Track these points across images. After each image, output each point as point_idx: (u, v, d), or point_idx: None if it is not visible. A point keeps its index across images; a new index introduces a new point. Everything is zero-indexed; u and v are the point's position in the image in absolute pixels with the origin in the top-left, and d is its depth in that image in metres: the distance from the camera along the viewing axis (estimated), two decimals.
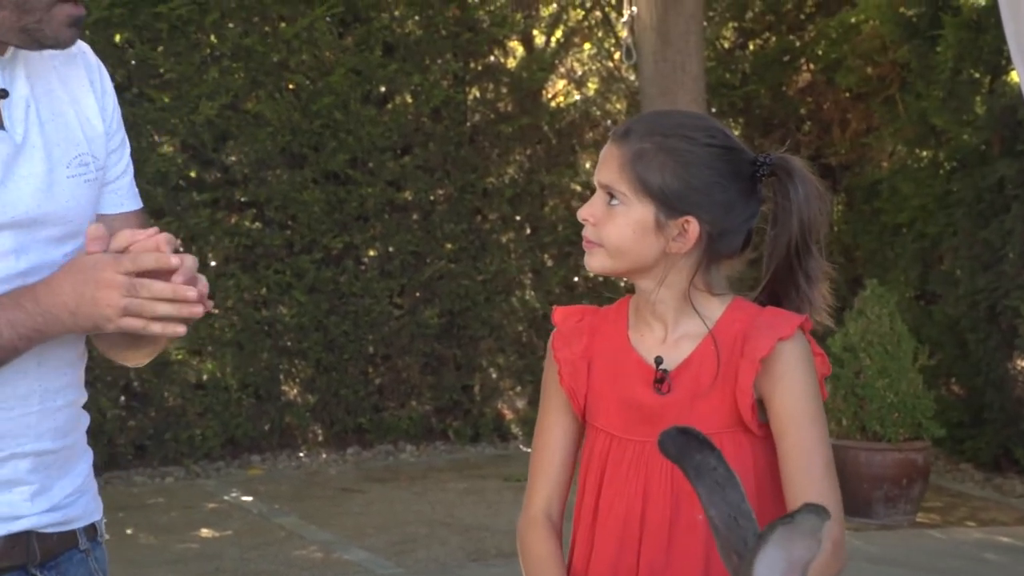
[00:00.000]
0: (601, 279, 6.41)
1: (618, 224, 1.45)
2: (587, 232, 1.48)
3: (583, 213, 1.48)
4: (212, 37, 5.68)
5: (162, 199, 5.55)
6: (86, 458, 1.50)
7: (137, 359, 1.55)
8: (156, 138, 5.62)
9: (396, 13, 6.03)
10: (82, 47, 1.49)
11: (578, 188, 6.46)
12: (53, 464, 1.43)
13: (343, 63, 5.82)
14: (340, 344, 5.95)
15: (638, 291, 1.51)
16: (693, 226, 1.44)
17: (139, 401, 5.70)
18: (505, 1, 6.35)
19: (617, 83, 6.68)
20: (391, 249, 6.01)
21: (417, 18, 6.07)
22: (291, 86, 5.78)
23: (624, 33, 5.61)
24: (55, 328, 1.36)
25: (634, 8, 5.32)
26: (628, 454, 1.48)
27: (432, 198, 6.09)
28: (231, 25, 5.68)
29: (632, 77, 6.38)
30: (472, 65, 6.23)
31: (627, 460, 1.48)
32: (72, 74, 1.48)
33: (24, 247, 1.40)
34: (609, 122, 6.60)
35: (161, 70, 5.59)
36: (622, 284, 1.63)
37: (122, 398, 5.66)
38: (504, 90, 6.29)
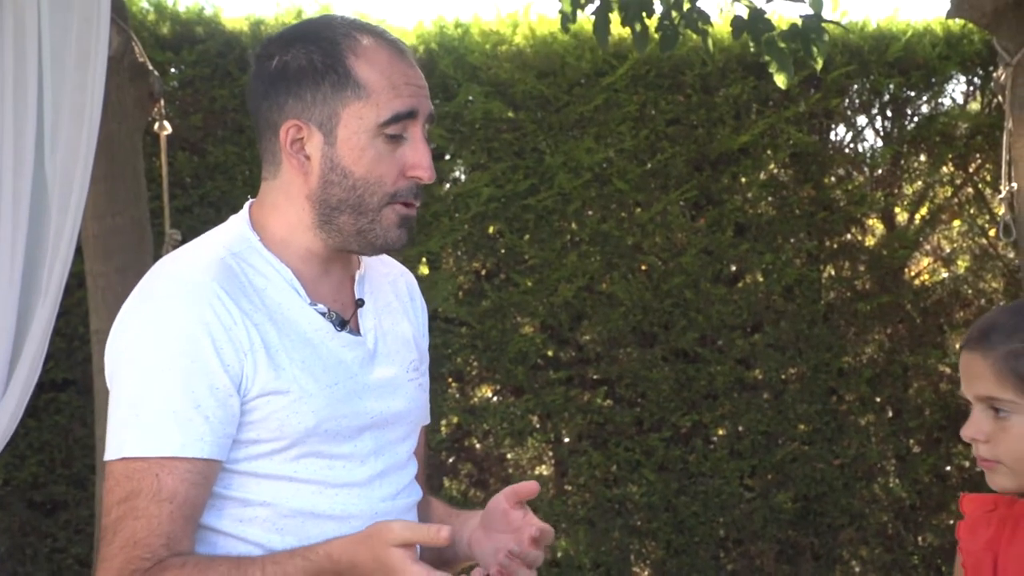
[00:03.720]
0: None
1: (1014, 436, 1.41)
2: (980, 451, 1.43)
3: (968, 433, 1.43)
4: (573, 224, 6.00)
5: (522, 377, 5.82)
6: None
7: None
8: (518, 319, 5.94)
9: (749, 195, 6.08)
10: (404, 271, 1.67)
11: (947, 370, 6.05)
12: None
13: (695, 244, 5.92)
14: (690, 526, 5.83)
15: None
16: None
17: None
18: (864, 180, 6.24)
19: (992, 261, 6.28)
20: (740, 428, 5.89)
21: (770, 199, 6.09)
22: (643, 267, 5.95)
23: (1001, 210, 5.31)
24: None
25: (1014, 184, 5.05)
26: None
27: (783, 377, 5.94)
28: (590, 212, 5.98)
29: (1011, 255, 5.98)
30: (827, 243, 6.11)
31: None
32: (400, 291, 1.66)
33: (381, 448, 1.56)
34: (983, 301, 6.18)
35: (526, 256, 5.96)
36: None
37: None
38: (862, 268, 6.10)
